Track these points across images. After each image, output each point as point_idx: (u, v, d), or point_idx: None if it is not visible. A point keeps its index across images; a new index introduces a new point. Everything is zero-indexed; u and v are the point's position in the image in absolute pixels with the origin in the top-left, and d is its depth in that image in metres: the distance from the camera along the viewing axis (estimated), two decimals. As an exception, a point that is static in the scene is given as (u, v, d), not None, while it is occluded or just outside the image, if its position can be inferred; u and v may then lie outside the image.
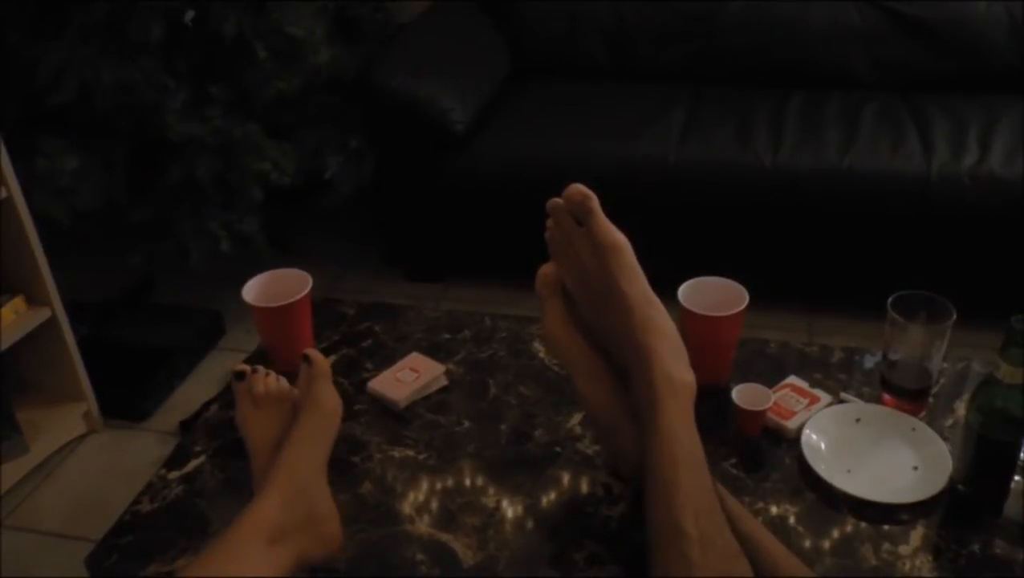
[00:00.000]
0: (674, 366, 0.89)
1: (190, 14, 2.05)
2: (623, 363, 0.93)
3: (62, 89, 1.98)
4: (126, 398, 2.07)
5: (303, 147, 2.24)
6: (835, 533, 0.95)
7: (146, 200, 2.13)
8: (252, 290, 1.23)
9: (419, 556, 0.96)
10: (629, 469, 0.95)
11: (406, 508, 1.02)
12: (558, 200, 0.96)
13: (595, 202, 0.93)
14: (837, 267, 2.17)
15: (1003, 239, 2.00)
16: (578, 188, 0.94)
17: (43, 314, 1.86)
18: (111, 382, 2.07)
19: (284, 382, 1.03)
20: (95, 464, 1.97)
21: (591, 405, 0.96)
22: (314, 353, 1.00)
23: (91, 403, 2.01)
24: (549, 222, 0.98)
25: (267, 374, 1.03)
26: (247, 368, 1.03)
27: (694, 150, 2.16)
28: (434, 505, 1.02)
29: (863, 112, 2.23)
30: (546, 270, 0.98)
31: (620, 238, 0.93)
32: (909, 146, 2.09)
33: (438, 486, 1.05)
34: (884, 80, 2.39)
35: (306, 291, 1.22)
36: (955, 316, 1.03)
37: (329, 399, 0.97)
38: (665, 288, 1.14)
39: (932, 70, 2.37)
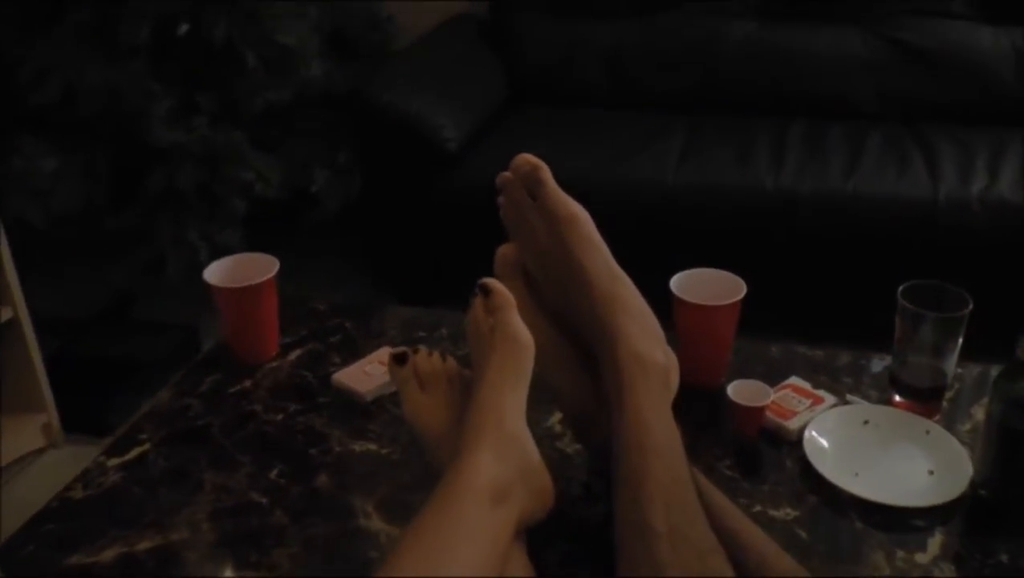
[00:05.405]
0: (643, 345, 0.79)
1: (184, 28, 2.01)
2: (590, 345, 0.83)
3: (45, 89, 1.93)
4: (90, 411, 1.97)
5: (290, 160, 2.18)
6: (842, 539, 0.85)
7: (126, 207, 2.07)
8: (215, 273, 1.16)
9: (372, 553, 0.86)
10: (606, 465, 0.85)
11: (362, 503, 0.92)
12: (507, 174, 0.90)
13: (546, 172, 0.87)
14: (841, 292, 2.08)
15: (1014, 265, 1.92)
16: (526, 157, 0.89)
17: (4, 314, 1.77)
18: (76, 394, 1.97)
19: (451, 360, 0.90)
20: (50, 480, 1.85)
21: (560, 395, 0.88)
22: (492, 282, 0.83)
23: (52, 415, 1.91)
24: (500, 198, 0.92)
25: (430, 353, 0.90)
26: (407, 349, 0.89)
27: (693, 172, 2.10)
28: (393, 501, 0.92)
29: (867, 140, 2.17)
30: (505, 250, 0.91)
31: (576, 209, 0.87)
32: (915, 170, 2.02)
33: (399, 481, 0.95)
34: (888, 110, 2.34)
35: (273, 273, 1.15)
36: (971, 305, 0.95)
37: (521, 332, 0.81)
38: (664, 311, 1.05)
39: (937, 101, 2.31)
